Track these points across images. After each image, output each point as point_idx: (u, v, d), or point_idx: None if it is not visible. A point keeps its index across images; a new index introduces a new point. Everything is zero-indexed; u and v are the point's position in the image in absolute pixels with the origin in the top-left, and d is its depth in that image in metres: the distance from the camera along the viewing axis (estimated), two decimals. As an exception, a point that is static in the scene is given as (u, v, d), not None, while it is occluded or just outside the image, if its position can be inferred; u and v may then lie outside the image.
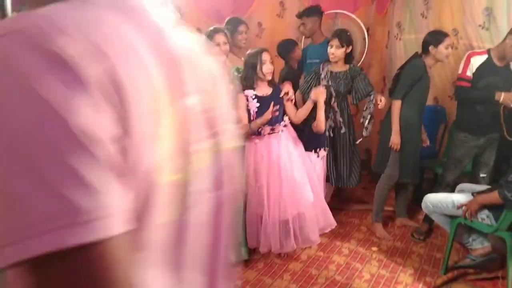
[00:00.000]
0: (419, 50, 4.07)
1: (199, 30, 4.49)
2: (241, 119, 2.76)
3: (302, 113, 2.95)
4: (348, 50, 3.16)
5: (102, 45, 0.38)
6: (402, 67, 3.24)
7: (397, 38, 4.18)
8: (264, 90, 2.81)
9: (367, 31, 4.55)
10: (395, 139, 3.08)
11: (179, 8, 4.12)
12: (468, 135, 2.98)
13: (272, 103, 2.74)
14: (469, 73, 2.88)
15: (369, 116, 3.25)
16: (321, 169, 3.14)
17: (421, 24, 3.96)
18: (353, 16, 4.20)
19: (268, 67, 2.75)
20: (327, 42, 3.28)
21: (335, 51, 3.11)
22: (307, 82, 3.31)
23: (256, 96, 2.78)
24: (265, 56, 2.75)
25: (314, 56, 3.65)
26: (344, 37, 3.11)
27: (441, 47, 3.01)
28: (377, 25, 4.55)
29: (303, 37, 4.29)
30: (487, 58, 2.86)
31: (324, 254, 2.99)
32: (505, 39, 2.84)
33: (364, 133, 3.32)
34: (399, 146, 3.09)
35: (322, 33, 3.83)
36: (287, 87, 2.90)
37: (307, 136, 3.03)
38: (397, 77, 3.18)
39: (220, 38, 2.88)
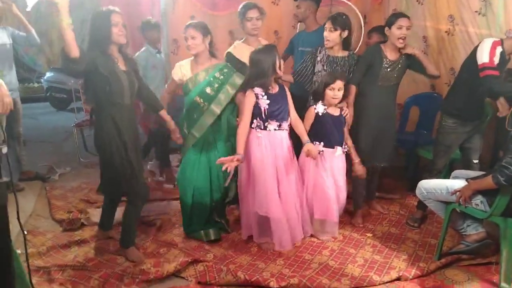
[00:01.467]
0: (416, 38, 4.07)
1: (193, 17, 4.47)
2: (243, 115, 2.74)
3: (300, 127, 2.90)
4: (344, 35, 3.04)
5: None
6: None
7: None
8: (273, 86, 2.80)
9: (364, 18, 4.50)
10: (349, 121, 3.08)
11: (173, -1, 4.09)
12: (458, 121, 2.95)
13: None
14: (496, 62, 2.67)
15: None
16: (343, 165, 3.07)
17: (417, 11, 3.93)
18: (349, 3, 4.16)
19: (281, 63, 2.78)
20: (321, 31, 3.21)
21: (329, 34, 3.03)
22: (303, 64, 3.24)
23: (267, 93, 2.75)
24: (277, 52, 2.76)
25: (306, 44, 3.59)
26: (338, 19, 3.01)
27: (393, 28, 2.96)
28: (373, 12, 4.50)
29: (298, 23, 4.24)
30: (502, 51, 2.71)
31: (317, 240, 2.99)
32: None
33: None
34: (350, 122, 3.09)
35: (317, 21, 3.78)
36: None
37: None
38: None
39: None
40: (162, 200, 3.75)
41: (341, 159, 3.00)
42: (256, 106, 2.74)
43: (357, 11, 4.12)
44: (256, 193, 2.78)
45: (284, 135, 2.84)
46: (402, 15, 3.02)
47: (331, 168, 2.95)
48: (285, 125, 2.83)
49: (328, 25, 3.04)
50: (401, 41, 2.95)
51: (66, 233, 3.12)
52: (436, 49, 3.86)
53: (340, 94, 2.88)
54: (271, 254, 2.79)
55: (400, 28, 2.92)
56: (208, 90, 2.83)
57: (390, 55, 3.06)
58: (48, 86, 8.11)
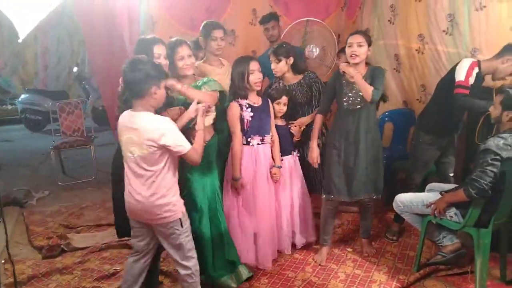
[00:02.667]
0: (388, 56, 4.22)
1: (171, 38, 4.51)
2: (233, 128, 2.74)
3: (276, 146, 2.94)
4: (290, 62, 3.06)
5: None
6: None
7: (366, 44, 4.28)
8: (256, 99, 2.81)
9: (338, 37, 4.65)
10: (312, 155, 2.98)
11: (151, 16, 4.13)
12: (434, 138, 3.07)
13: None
14: (471, 82, 2.80)
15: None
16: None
17: (389, 30, 4.09)
18: (323, 23, 4.29)
19: (256, 76, 2.73)
20: None
21: (275, 66, 3.07)
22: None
23: (250, 105, 2.76)
24: (253, 66, 2.72)
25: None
26: (280, 50, 3.04)
27: (346, 46, 2.83)
28: (347, 31, 4.63)
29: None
30: (478, 72, 2.84)
31: (300, 257, 3.03)
32: (499, 57, 2.82)
33: None
34: (315, 161, 2.98)
35: (281, 39, 3.90)
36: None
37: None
38: None
39: (184, 50, 2.54)
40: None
41: (294, 166, 3.07)
42: (240, 118, 2.74)
43: (331, 31, 4.26)
44: (240, 212, 2.80)
45: (266, 149, 2.86)
46: (353, 33, 2.83)
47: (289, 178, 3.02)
48: (268, 138, 2.85)
49: (272, 58, 3.07)
50: (352, 57, 2.74)
51: (46, 260, 3.07)
52: (407, 67, 4.01)
53: (284, 108, 3.00)
54: (255, 273, 2.81)
55: (350, 46, 2.74)
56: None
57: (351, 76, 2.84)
58: (23, 108, 7.96)
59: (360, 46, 2.72)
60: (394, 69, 4.15)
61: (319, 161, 2.98)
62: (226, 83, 3.16)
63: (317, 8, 4.60)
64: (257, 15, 4.61)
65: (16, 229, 3.63)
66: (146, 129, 2.00)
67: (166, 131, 2.01)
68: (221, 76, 3.09)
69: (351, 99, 2.81)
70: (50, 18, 8.65)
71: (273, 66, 3.08)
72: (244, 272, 2.69)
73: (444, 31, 3.58)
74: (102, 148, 6.03)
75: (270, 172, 2.86)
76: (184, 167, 2.42)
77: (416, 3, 3.77)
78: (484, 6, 3.30)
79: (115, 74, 4.77)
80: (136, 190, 2.09)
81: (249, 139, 2.79)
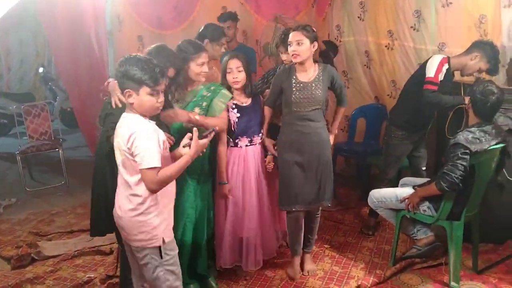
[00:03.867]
0: (358, 52, 4.27)
1: (140, 37, 4.43)
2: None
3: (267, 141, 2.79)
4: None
5: None
6: None
7: (337, 40, 4.33)
8: (243, 99, 2.69)
9: (309, 34, 4.65)
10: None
11: (117, 15, 4.02)
12: (406, 133, 3.11)
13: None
14: (440, 78, 2.85)
15: None
16: None
17: (359, 27, 4.14)
18: (294, 19, 4.29)
19: (232, 76, 2.59)
20: (241, 48, 3.29)
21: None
22: None
23: (236, 106, 2.64)
24: (231, 64, 2.59)
25: None
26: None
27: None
28: (317, 29, 4.66)
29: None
30: (448, 68, 2.89)
31: (278, 256, 3.02)
32: (468, 54, 2.88)
33: None
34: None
35: (237, 40, 3.90)
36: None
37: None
38: None
39: (205, 57, 2.43)
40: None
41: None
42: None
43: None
44: (228, 215, 2.67)
45: (256, 150, 2.72)
46: (293, 29, 2.57)
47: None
48: (257, 139, 2.71)
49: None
50: (294, 57, 2.52)
51: (16, 270, 2.94)
52: (378, 63, 4.07)
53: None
54: (233, 275, 2.79)
55: (290, 44, 2.52)
56: (197, 110, 2.46)
57: (301, 75, 2.59)
58: (-14, 112, 7.64)
59: (300, 44, 2.48)
60: (365, 65, 4.20)
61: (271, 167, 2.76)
62: None
63: (287, 5, 4.60)
64: (227, 12, 4.57)
65: (-18, 239, 3.48)
66: (122, 131, 1.79)
67: (137, 134, 1.73)
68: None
69: (300, 100, 2.56)
70: (10, 18, 8.30)
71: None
72: (213, 286, 2.64)
73: (411, 27, 3.65)
74: (72, 151, 5.88)
75: (264, 161, 2.73)
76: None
77: (384, 0, 3.83)
78: (450, 3, 3.38)
79: (82, 74, 4.66)
80: (118, 201, 1.87)
81: (237, 141, 2.66)
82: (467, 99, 2.68)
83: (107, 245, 3.21)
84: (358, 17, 4.13)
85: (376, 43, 4.03)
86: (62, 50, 4.67)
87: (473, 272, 2.76)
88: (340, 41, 4.33)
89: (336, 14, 4.35)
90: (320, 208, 2.80)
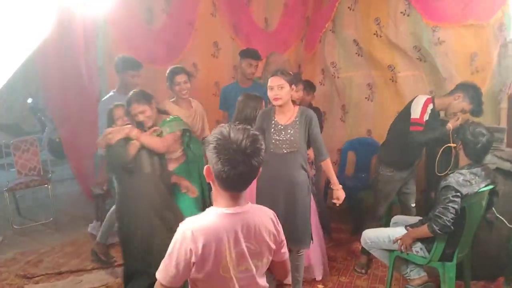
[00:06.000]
0: (359, 87, 4.37)
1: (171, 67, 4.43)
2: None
3: None
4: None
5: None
6: None
7: (334, 77, 4.44)
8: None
9: (299, 67, 4.75)
10: None
11: (110, 54, 4.04)
12: (395, 171, 3.16)
13: None
14: (425, 118, 2.94)
15: None
16: None
17: (360, 62, 4.27)
18: (282, 55, 4.39)
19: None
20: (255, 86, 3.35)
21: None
22: None
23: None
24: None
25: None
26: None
27: (268, 89, 2.65)
28: (306, 64, 4.76)
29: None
30: (433, 108, 2.98)
31: None
32: (451, 94, 2.99)
33: None
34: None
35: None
36: None
37: None
38: None
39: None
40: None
41: None
42: None
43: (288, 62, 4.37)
44: None
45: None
46: (272, 74, 2.63)
47: None
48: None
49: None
50: (275, 100, 2.58)
51: (2, 318, 2.87)
52: (382, 94, 4.19)
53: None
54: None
55: (271, 89, 2.58)
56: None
57: (279, 117, 2.66)
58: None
59: (281, 88, 2.56)
60: (366, 98, 4.30)
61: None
62: (193, 124, 3.18)
63: (277, 40, 4.68)
64: (219, 47, 4.65)
65: (-33, 282, 3.39)
66: None
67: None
68: (186, 119, 3.12)
69: (277, 142, 2.62)
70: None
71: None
72: None
73: (417, 58, 3.77)
74: (60, 185, 5.79)
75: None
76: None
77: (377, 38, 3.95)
78: (443, 41, 3.50)
79: (71, 105, 4.62)
80: None
81: None
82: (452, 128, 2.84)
83: (97, 287, 3.15)
84: (356, 53, 4.25)
85: (380, 77, 4.16)
86: (50, 81, 4.61)
87: (466, 310, 2.76)
88: (338, 77, 4.45)
89: (329, 51, 4.45)
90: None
